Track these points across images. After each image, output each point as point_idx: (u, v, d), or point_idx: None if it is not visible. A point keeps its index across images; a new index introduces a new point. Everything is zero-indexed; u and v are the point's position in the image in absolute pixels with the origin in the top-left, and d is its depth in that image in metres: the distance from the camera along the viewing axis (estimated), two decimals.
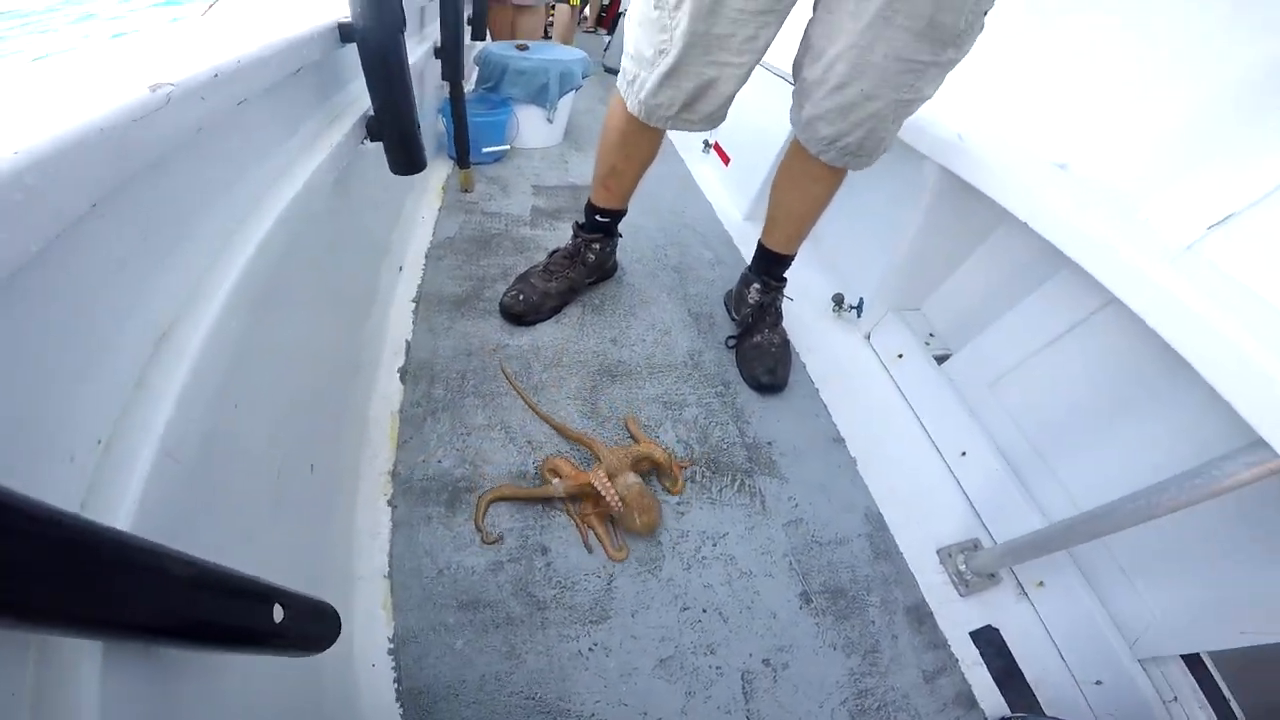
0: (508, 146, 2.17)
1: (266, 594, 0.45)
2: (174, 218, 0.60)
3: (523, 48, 2.20)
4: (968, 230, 1.44)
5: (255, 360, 0.72)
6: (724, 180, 2.35)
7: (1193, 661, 1.13)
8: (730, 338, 1.58)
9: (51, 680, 0.37)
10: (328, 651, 0.82)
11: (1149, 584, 1.12)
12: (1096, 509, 0.96)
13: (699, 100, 1.19)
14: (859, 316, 1.71)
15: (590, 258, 1.57)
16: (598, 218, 1.54)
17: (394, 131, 1.09)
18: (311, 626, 0.52)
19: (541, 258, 1.63)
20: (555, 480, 1.13)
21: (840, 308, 1.75)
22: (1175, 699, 1.08)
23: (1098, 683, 1.11)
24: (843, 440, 1.43)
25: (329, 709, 0.82)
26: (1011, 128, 1.32)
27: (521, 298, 1.47)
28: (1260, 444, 0.74)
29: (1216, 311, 0.80)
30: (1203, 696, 1.09)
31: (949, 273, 1.60)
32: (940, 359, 1.54)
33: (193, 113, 0.57)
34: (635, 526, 1.10)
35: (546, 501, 1.14)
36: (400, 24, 0.98)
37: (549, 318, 1.53)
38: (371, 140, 1.10)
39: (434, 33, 1.62)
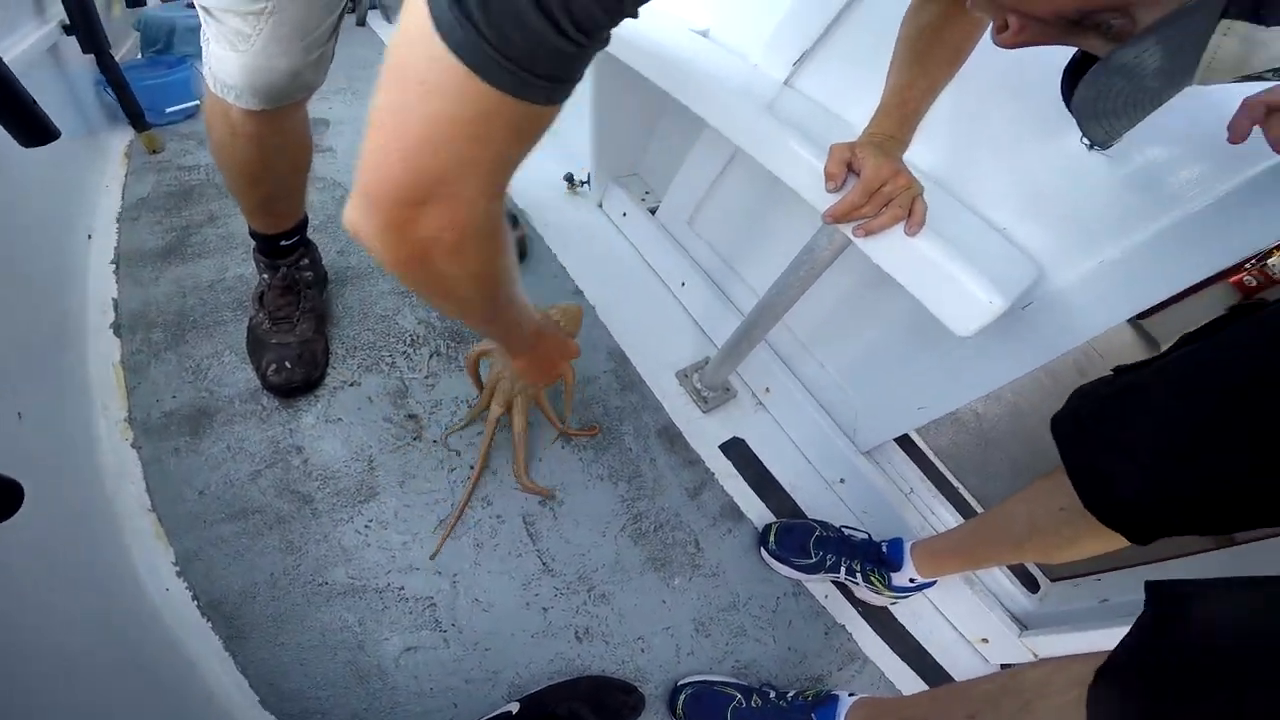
0: (196, 101, 2.00)
1: None
2: None
3: (192, 4, 2.04)
4: (646, 98, 1.56)
5: None
6: None
7: (920, 459, 1.38)
8: None
9: None
10: (119, 587, 0.92)
11: (849, 382, 1.35)
12: (760, 299, 1.16)
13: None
14: (590, 189, 1.86)
15: (307, 276, 1.30)
16: (282, 243, 1.22)
17: (2, 108, 1.03)
18: None
19: None
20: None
21: (573, 185, 1.89)
22: (912, 491, 1.31)
23: (841, 481, 1.33)
24: (580, 291, 1.58)
25: (136, 636, 0.88)
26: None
27: (288, 365, 1.18)
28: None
29: (793, 137, 0.98)
30: (933, 486, 1.34)
31: (648, 137, 1.77)
32: (653, 210, 1.73)
33: None
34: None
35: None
36: None
37: (327, 361, 1.27)
38: None
39: (58, 12, 1.51)
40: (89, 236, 1.40)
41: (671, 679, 1.02)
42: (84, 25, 1.51)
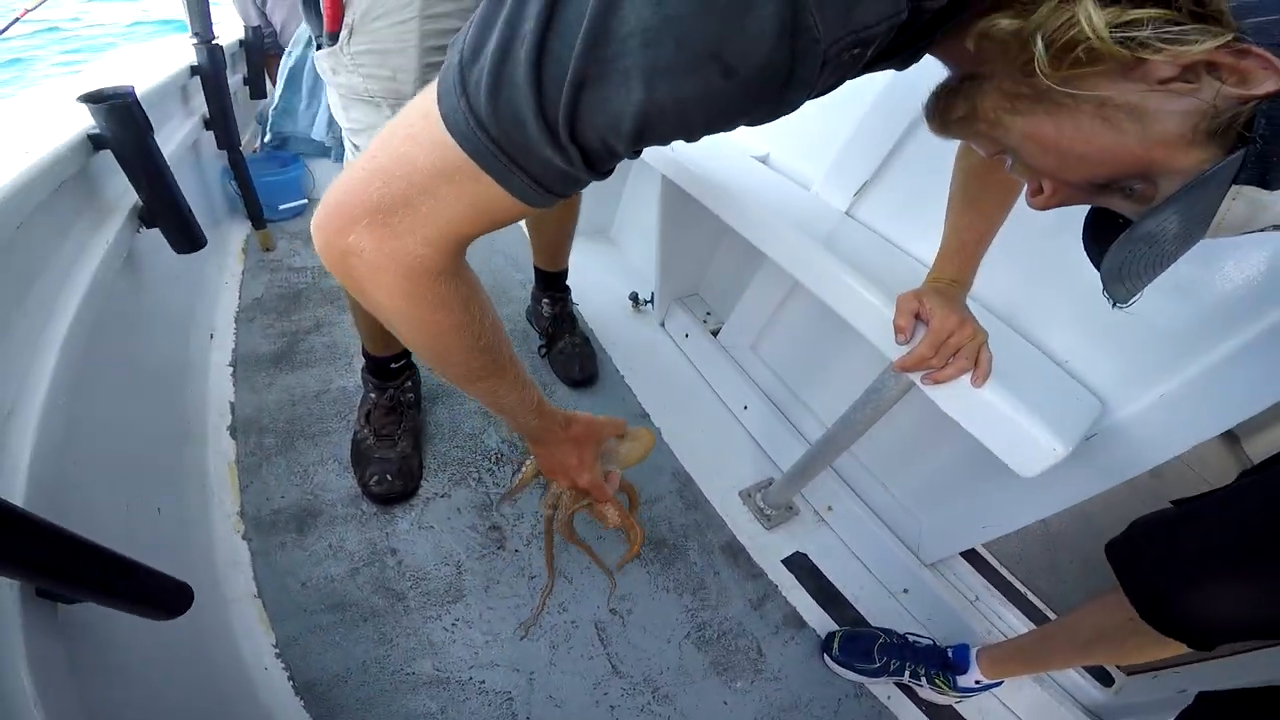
0: (306, 200, 2.19)
1: (127, 562, 0.60)
2: None
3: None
4: (708, 224, 1.65)
5: (86, 430, 0.83)
6: None
7: (985, 568, 1.38)
8: (540, 347, 1.75)
9: None
10: (222, 663, 1.00)
11: (913, 502, 1.40)
12: (827, 431, 1.23)
13: None
14: (653, 308, 1.97)
15: (409, 397, 1.42)
16: (391, 365, 1.36)
17: (165, 218, 1.18)
18: (163, 595, 0.66)
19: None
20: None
21: (637, 304, 2.00)
22: (977, 599, 1.32)
23: (905, 591, 1.35)
24: (648, 415, 1.66)
25: (234, 708, 0.95)
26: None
27: (389, 478, 1.30)
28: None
29: (859, 280, 1.04)
30: (999, 593, 1.33)
31: (710, 259, 1.88)
32: (715, 332, 1.82)
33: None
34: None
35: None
36: (146, 130, 1.07)
37: (421, 474, 1.38)
38: (147, 227, 1.17)
39: (201, 105, 1.68)
40: (211, 336, 1.55)
41: None
42: (221, 122, 1.68)
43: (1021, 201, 0.85)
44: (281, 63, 2.13)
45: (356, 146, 0.97)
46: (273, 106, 2.22)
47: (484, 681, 1.08)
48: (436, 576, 1.20)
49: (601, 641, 1.18)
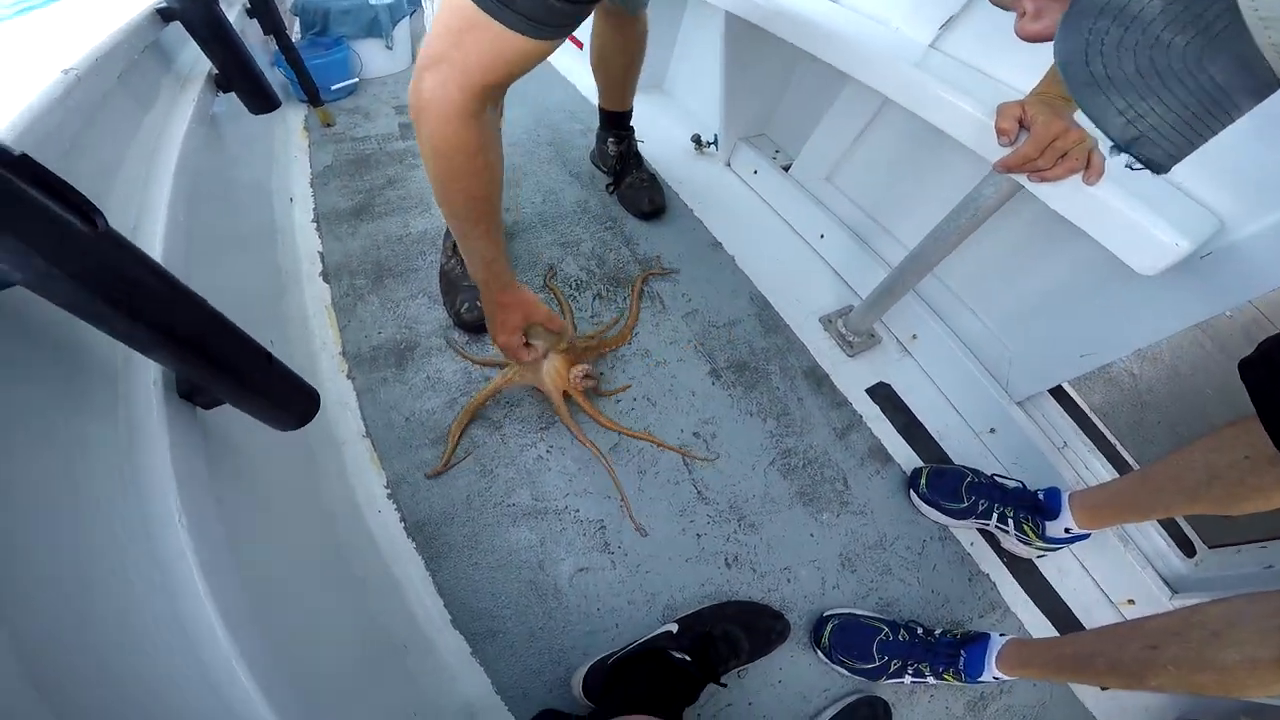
0: (356, 79, 2.20)
1: (266, 352, 0.60)
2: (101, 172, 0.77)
3: None
4: (777, 61, 1.63)
5: (199, 264, 0.86)
6: (582, 62, 2.45)
7: (1075, 411, 1.33)
8: (608, 185, 1.74)
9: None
10: (339, 508, 1.03)
11: (1004, 329, 1.34)
12: (915, 248, 1.19)
13: None
14: (717, 149, 1.91)
15: None
16: None
17: (239, 79, 1.21)
18: (295, 396, 0.66)
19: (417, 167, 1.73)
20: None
21: (700, 146, 1.95)
22: (1065, 444, 1.27)
23: (991, 430, 1.31)
24: (720, 244, 1.65)
25: (356, 556, 0.99)
26: None
27: (479, 304, 1.28)
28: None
29: (952, 92, 1.01)
30: (1088, 440, 1.28)
31: (779, 98, 1.81)
32: (786, 167, 1.77)
33: (94, 87, 0.73)
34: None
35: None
36: None
37: None
38: (224, 92, 1.21)
39: None
40: (290, 199, 1.59)
41: (815, 610, 1.06)
42: (263, 9, 1.68)
43: None
44: None
45: None
46: None
47: (578, 510, 1.12)
48: (528, 402, 1.24)
49: (687, 466, 1.20)
